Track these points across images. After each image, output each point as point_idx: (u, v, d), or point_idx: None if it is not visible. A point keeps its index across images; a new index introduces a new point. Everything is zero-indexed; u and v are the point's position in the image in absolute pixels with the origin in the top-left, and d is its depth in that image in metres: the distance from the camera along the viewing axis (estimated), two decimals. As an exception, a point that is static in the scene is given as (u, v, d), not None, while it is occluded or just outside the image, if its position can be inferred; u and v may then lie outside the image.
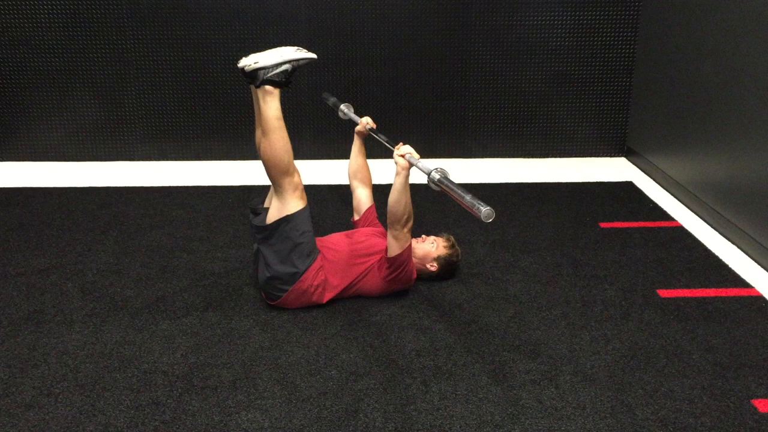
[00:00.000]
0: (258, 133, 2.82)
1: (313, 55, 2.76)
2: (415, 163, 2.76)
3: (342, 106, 3.49)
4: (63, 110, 4.79)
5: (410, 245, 2.86)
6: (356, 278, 2.88)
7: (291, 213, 2.75)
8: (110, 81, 4.73)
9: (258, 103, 2.76)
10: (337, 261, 2.87)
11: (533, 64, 4.81)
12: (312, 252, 2.80)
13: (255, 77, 2.69)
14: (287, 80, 2.72)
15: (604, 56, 4.80)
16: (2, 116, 4.77)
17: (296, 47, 2.76)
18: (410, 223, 2.81)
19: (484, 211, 2.31)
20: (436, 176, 2.59)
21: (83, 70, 4.70)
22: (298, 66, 2.73)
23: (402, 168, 2.77)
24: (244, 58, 2.70)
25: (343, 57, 4.74)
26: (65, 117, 4.80)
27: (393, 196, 2.76)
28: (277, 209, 2.77)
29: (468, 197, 2.40)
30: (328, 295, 2.86)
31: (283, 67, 2.69)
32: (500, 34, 4.73)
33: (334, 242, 2.96)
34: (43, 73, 4.69)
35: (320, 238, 2.98)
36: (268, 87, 2.70)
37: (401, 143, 2.87)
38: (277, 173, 2.74)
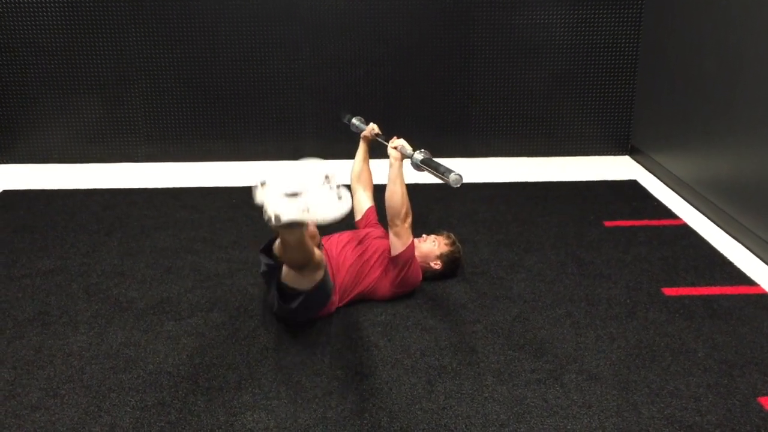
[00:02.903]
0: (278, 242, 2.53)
1: (344, 210, 2.16)
2: (405, 152, 2.90)
3: (354, 120, 3.65)
4: (66, 112, 4.80)
5: (413, 243, 2.86)
6: (365, 288, 2.88)
7: (315, 283, 2.56)
8: (113, 82, 4.74)
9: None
10: (347, 278, 2.83)
11: (536, 63, 4.80)
12: (330, 294, 2.71)
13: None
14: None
15: (608, 54, 4.79)
16: (6, 119, 4.79)
17: (326, 174, 2.15)
18: (409, 219, 2.83)
19: (452, 177, 2.52)
20: (418, 157, 2.82)
21: (86, 72, 4.71)
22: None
23: (395, 159, 2.89)
24: (260, 189, 2.17)
25: (344, 56, 4.73)
26: (69, 119, 4.81)
27: (389, 188, 2.84)
28: (296, 279, 2.53)
29: (441, 168, 2.62)
30: (337, 306, 2.85)
31: (309, 222, 2.20)
32: (503, 33, 4.72)
33: (342, 252, 2.88)
34: (47, 75, 4.70)
35: (326, 237, 2.98)
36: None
37: (395, 137, 2.98)
38: (297, 268, 2.49)
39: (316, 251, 2.47)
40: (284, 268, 2.56)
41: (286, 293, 2.60)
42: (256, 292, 3.02)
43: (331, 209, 2.14)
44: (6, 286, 3.09)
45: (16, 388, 2.39)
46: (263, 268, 2.75)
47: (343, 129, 4.76)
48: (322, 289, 2.62)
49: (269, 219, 2.12)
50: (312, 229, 2.51)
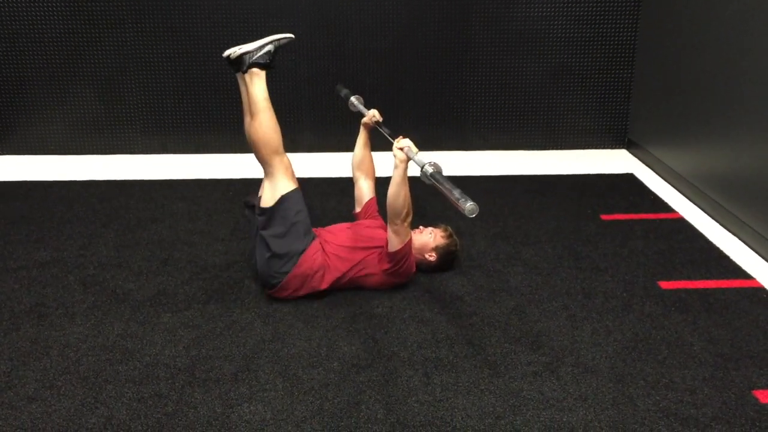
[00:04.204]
0: (246, 120, 2.96)
1: (291, 35, 3.03)
2: (412, 156, 2.77)
3: (353, 98, 3.51)
4: (63, 103, 4.78)
5: (410, 240, 2.87)
6: (356, 264, 2.88)
7: (285, 193, 2.84)
8: (110, 74, 4.72)
9: (246, 88, 2.94)
10: (338, 245, 2.90)
11: (534, 56, 4.79)
12: (308, 232, 2.88)
13: (241, 63, 2.89)
14: (271, 61, 2.94)
15: (606, 47, 4.78)
16: (2, 110, 4.77)
17: (279, 34, 2.98)
18: (410, 218, 2.81)
19: (468, 206, 2.35)
20: (429, 170, 2.62)
21: (83, 63, 4.69)
22: (279, 45, 2.97)
23: (400, 161, 2.78)
24: (228, 50, 2.91)
25: (342, 49, 4.72)
26: (65, 110, 4.80)
27: (392, 190, 2.77)
28: (270, 191, 2.86)
29: (456, 192, 2.43)
30: (328, 279, 2.86)
31: (266, 48, 2.92)
32: (500, 25, 4.71)
33: (336, 229, 3.02)
34: (44, 66, 4.68)
35: (321, 228, 3.00)
36: (254, 69, 2.89)
37: (401, 136, 2.87)
38: (267, 152, 2.87)
39: (285, 155, 2.91)
40: (261, 195, 2.88)
41: (268, 218, 2.83)
42: (253, 284, 3.02)
43: (280, 36, 2.95)
44: (2, 278, 3.08)
45: (12, 379, 2.39)
46: (252, 230, 2.98)
47: (342, 121, 4.76)
48: (297, 198, 2.86)
49: (232, 52, 2.86)
50: (286, 160, 2.90)
